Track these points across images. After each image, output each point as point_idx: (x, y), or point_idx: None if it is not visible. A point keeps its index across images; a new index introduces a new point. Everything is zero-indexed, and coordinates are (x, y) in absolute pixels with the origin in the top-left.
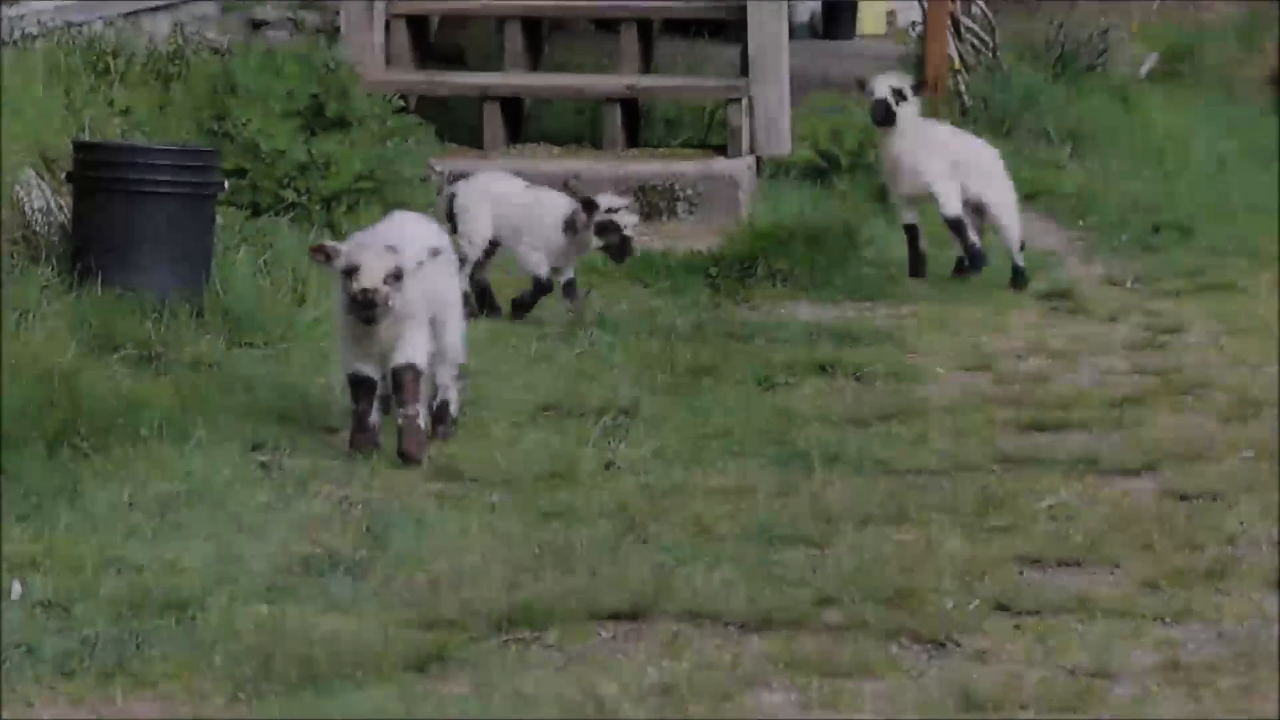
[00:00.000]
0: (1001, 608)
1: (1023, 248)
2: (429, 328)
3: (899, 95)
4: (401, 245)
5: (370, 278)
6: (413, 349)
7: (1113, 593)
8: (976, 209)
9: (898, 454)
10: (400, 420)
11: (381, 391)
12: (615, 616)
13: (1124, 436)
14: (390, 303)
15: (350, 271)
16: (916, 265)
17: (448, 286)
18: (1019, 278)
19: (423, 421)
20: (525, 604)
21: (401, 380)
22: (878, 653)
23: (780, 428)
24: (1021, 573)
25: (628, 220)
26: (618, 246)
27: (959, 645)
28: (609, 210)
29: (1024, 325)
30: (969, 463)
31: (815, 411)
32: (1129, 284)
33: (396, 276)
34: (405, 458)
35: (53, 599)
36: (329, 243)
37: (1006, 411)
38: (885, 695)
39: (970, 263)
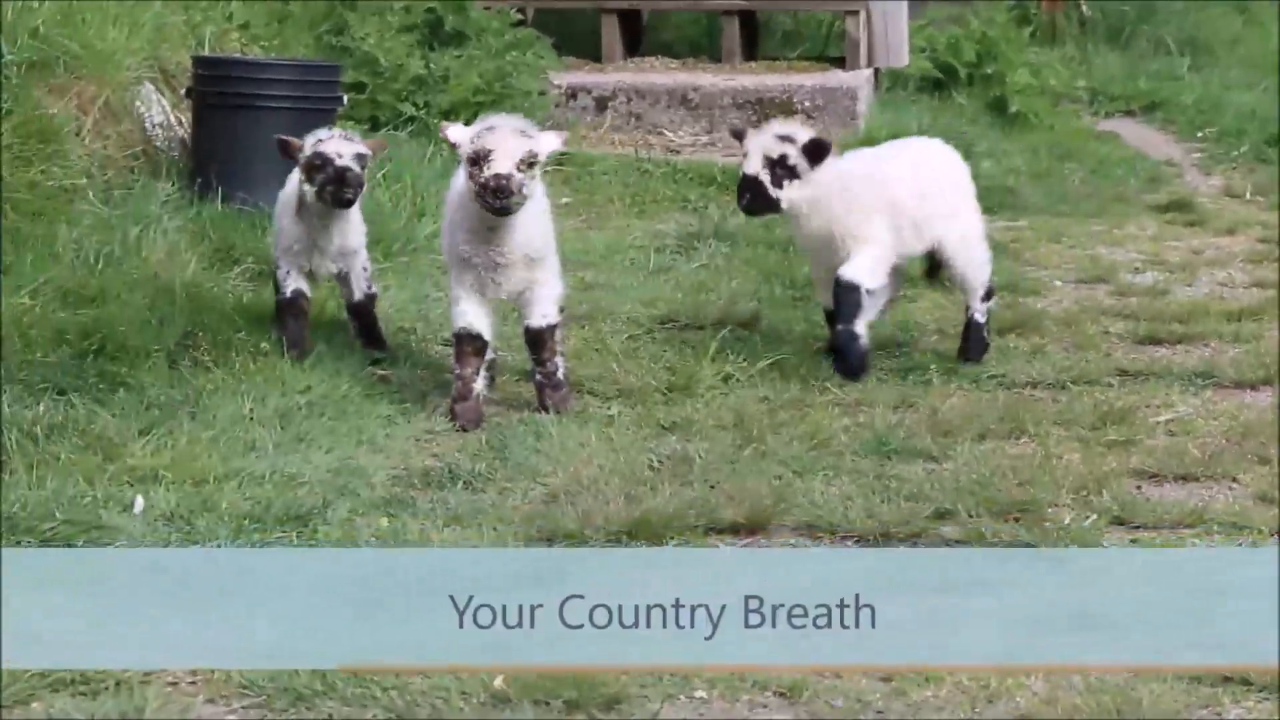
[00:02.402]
0: (1118, 521)
1: (989, 297)
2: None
3: (782, 168)
4: (536, 131)
5: (504, 162)
6: (549, 305)
7: (1230, 507)
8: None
9: (1015, 367)
10: (539, 377)
11: (490, 356)
12: (733, 529)
13: (1242, 350)
14: (525, 191)
15: (479, 158)
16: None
17: (549, 226)
18: (975, 342)
19: (565, 369)
20: (643, 517)
21: (541, 341)
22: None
23: (898, 341)
24: (1139, 487)
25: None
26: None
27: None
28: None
29: (1142, 238)
30: (1086, 376)
31: (933, 324)
32: (1247, 195)
33: (530, 163)
34: (557, 411)
35: (175, 512)
36: (451, 126)
37: (1124, 324)
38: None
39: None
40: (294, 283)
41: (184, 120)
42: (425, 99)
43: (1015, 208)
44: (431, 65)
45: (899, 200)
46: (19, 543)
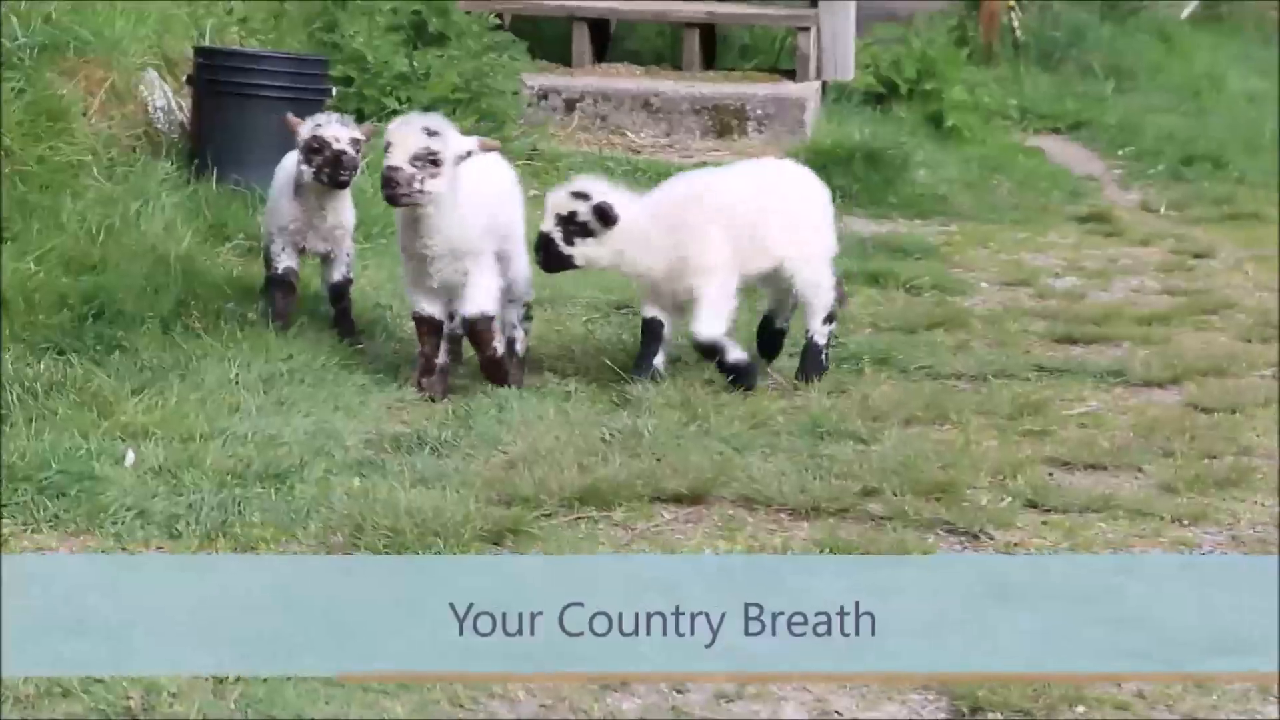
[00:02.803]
0: (1031, 504)
1: (831, 320)
2: (496, 263)
3: (573, 224)
4: (448, 132)
5: (397, 155)
6: (483, 295)
7: (1135, 495)
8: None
9: (941, 360)
10: (481, 362)
11: (449, 331)
12: (677, 499)
13: (1151, 351)
14: (419, 186)
15: (385, 149)
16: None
17: (513, 218)
18: (812, 363)
19: (502, 349)
20: (594, 485)
21: (476, 330)
22: (916, 541)
23: (835, 332)
24: (1051, 474)
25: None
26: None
27: (991, 537)
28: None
29: (1062, 245)
30: (1006, 370)
31: (867, 318)
32: (1162, 210)
33: (432, 161)
34: (498, 384)
35: (163, 466)
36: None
37: (1043, 324)
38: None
39: (738, 377)
40: (286, 260)
41: (184, 105)
42: (408, 94)
43: (947, 214)
44: (415, 63)
45: (737, 215)
46: (16, 490)
